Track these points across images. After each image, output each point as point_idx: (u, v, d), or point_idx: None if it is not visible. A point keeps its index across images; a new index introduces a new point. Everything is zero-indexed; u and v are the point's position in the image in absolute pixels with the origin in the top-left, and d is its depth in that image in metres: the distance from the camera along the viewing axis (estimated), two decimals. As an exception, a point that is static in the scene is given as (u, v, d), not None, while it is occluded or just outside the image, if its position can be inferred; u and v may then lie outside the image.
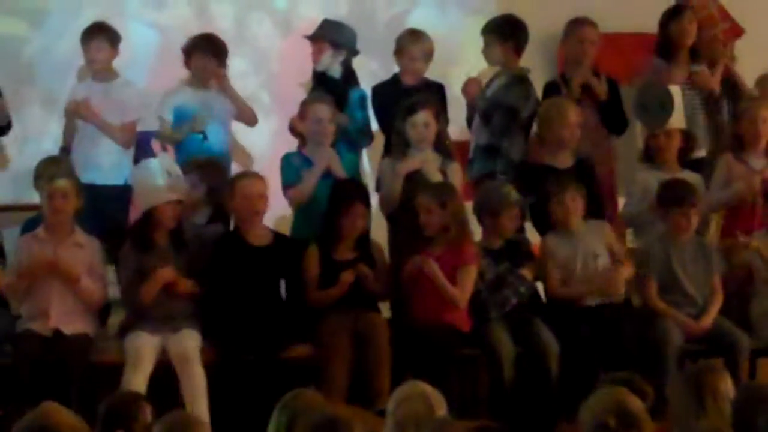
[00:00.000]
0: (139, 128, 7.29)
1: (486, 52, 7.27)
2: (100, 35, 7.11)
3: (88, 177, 6.92)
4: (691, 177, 6.92)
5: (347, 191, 6.63)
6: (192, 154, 7.00)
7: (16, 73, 7.21)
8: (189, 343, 6.19)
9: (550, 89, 7.35)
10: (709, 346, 6.53)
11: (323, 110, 6.88)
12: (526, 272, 6.60)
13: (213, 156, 7.00)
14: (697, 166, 7.20)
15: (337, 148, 6.98)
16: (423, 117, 6.84)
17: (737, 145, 7.09)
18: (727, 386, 4.57)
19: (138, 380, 5.99)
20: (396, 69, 7.42)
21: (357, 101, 7.27)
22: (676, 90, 7.12)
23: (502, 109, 7.17)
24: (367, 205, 6.65)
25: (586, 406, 4.11)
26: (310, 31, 7.36)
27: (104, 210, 6.85)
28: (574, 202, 6.67)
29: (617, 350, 6.39)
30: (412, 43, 7.27)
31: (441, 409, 4.20)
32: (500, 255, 6.63)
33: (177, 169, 6.41)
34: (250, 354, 6.18)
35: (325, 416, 3.99)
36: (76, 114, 7.08)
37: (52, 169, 6.68)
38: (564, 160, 6.98)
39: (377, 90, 7.34)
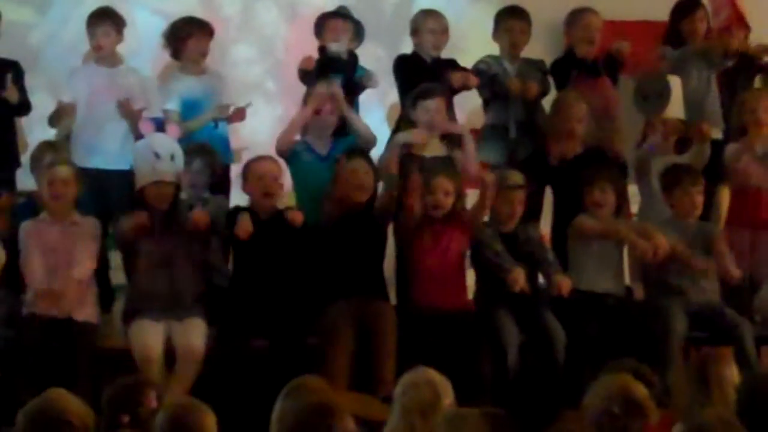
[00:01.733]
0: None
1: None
2: (108, 21, 7.07)
3: (92, 162, 6.93)
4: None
5: (348, 151, 6.65)
6: (204, 141, 7.02)
7: (22, 60, 7.17)
8: (196, 338, 6.17)
9: (558, 67, 7.43)
10: (713, 334, 6.54)
11: (326, 101, 6.89)
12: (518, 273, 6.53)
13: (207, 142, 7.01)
14: (713, 147, 7.20)
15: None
16: (435, 103, 6.87)
17: (742, 134, 7.10)
18: (732, 374, 4.58)
19: (152, 375, 5.96)
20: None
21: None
22: (675, 80, 7.14)
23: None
24: (372, 164, 6.63)
25: (591, 393, 4.12)
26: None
27: (108, 195, 6.85)
28: (603, 194, 6.70)
29: (621, 339, 6.41)
30: (428, 17, 7.32)
31: (448, 396, 4.20)
32: (506, 241, 6.64)
33: (170, 150, 6.38)
34: (257, 338, 6.21)
35: (312, 402, 3.98)
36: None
37: (50, 154, 6.68)
38: (572, 151, 7.01)
39: (403, 59, 7.35)
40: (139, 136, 6.59)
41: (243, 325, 6.26)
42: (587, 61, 7.39)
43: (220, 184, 7.03)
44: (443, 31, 7.32)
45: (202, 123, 7.12)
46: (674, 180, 6.71)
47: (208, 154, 6.78)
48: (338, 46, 7.17)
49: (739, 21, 7.59)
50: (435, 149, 6.91)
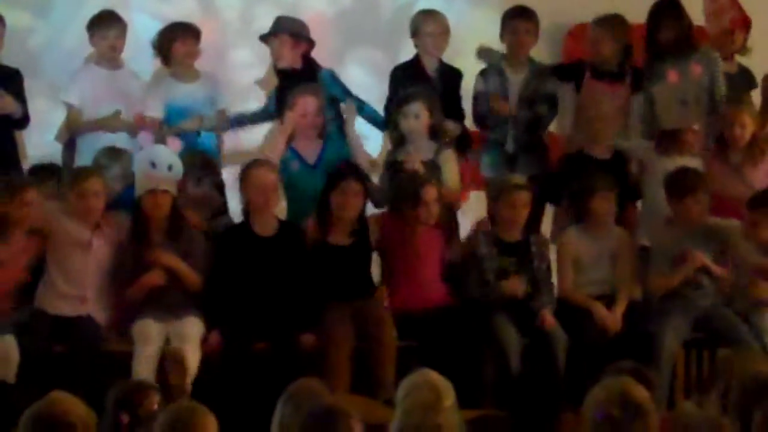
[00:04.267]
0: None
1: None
2: (120, 23, 7.11)
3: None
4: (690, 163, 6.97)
5: (341, 170, 6.66)
6: (186, 149, 7.03)
7: (22, 65, 7.19)
8: (191, 329, 6.22)
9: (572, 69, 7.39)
10: (717, 337, 6.54)
11: (310, 103, 6.92)
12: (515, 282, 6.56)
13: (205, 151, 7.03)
14: None
15: (329, 135, 7.05)
16: (415, 108, 6.87)
17: (719, 145, 7.15)
18: None
19: (148, 364, 6.05)
20: (401, 59, 7.43)
21: (330, 79, 7.29)
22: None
23: None
24: (363, 185, 6.63)
25: (591, 396, 4.12)
26: (317, 23, 7.37)
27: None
28: (610, 204, 6.71)
29: (619, 342, 6.43)
30: (427, 19, 7.28)
31: (449, 397, 4.20)
32: (510, 250, 6.64)
33: (168, 161, 6.40)
34: (257, 342, 6.23)
35: (322, 405, 4.00)
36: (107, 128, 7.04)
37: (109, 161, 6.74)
38: (601, 151, 7.02)
39: (397, 73, 7.32)
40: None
41: (243, 328, 6.27)
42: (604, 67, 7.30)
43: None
44: (443, 32, 7.27)
45: (174, 131, 7.11)
46: (677, 187, 6.68)
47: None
48: (286, 63, 7.19)
49: (743, 23, 7.55)
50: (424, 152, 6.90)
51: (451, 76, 7.34)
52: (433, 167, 6.87)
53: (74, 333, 6.22)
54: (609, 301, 6.67)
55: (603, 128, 7.04)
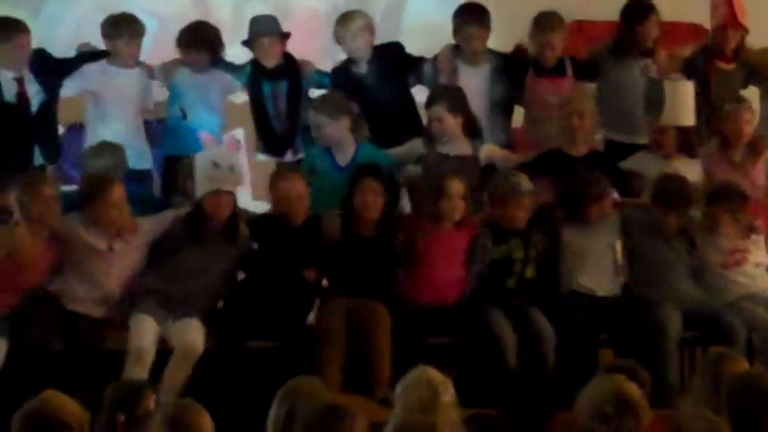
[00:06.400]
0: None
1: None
2: (128, 31, 7.14)
3: None
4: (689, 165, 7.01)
5: (361, 168, 6.67)
6: (171, 130, 7.16)
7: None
8: (195, 338, 6.18)
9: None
10: (705, 334, 6.55)
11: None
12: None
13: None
14: None
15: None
16: (435, 112, 6.89)
17: (721, 142, 7.20)
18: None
19: (142, 362, 6.03)
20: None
21: (318, 77, 7.35)
22: (688, 85, 7.13)
23: None
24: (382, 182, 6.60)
25: (584, 393, 4.15)
26: (309, 20, 7.38)
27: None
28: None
29: (616, 338, 6.45)
30: (341, 25, 7.22)
31: (447, 394, 4.22)
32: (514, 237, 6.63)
33: (228, 160, 6.41)
34: (256, 339, 6.24)
35: (327, 403, 4.01)
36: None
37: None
38: (578, 149, 7.02)
39: (334, 75, 7.34)
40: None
41: (240, 326, 6.27)
42: (546, 63, 7.30)
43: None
44: (353, 36, 7.16)
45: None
46: (664, 198, 6.72)
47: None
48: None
49: (735, 21, 7.54)
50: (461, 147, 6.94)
51: (389, 54, 7.27)
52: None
53: (74, 331, 6.16)
54: (613, 302, 6.67)
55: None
